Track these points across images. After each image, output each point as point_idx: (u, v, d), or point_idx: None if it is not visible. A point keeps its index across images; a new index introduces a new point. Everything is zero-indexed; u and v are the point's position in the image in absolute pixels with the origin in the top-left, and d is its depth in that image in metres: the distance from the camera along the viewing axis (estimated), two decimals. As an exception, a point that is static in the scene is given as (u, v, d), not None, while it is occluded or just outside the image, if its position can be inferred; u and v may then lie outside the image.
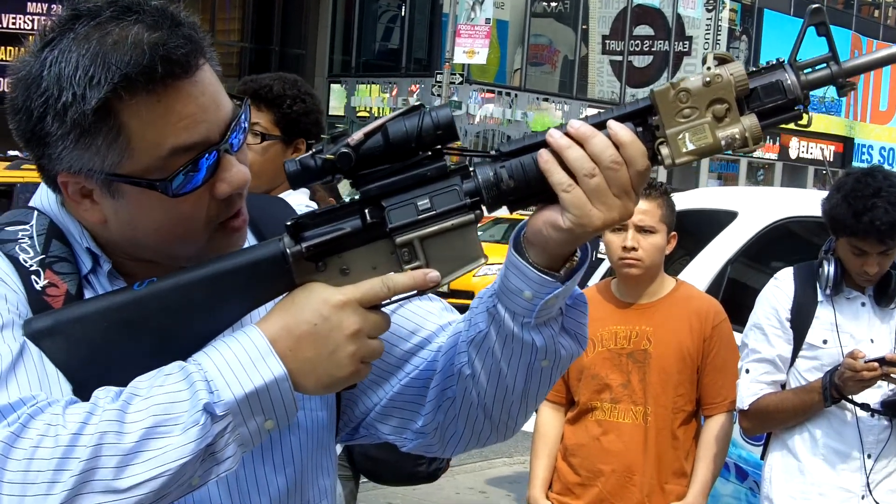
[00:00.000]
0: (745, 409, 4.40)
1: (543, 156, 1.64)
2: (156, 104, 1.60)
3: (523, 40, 38.69)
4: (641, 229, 4.47)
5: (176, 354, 1.59)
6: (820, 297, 4.33)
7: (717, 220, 6.72)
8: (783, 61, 1.68)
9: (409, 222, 1.65)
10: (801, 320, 4.32)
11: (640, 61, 42.83)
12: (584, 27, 41.05)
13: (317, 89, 33.67)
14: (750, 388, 4.37)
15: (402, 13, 37.63)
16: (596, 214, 1.62)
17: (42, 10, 27.23)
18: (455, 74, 30.57)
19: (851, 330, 4.27)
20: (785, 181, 46.64)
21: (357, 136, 1.64)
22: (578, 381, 4.59)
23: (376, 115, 35.81)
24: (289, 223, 1.66)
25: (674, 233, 4.61)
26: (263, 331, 1.60)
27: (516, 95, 37.07)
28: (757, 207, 6.81)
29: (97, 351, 1.60)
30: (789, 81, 1.66)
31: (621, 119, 1.66)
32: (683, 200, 7.15)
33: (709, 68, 1.64)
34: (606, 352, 4.55)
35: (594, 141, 1.62)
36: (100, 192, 1.66)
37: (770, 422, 4.45)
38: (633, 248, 4.46)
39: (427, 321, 1.96)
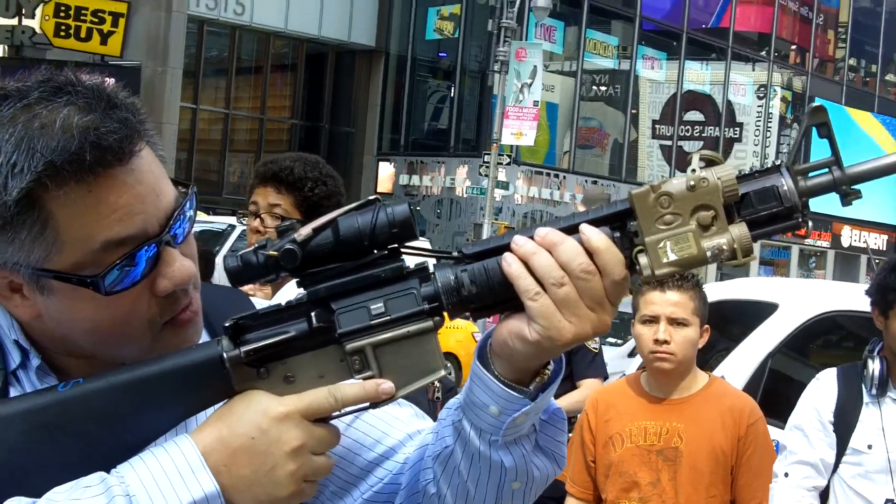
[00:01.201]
0: None
1: (508, 259, 1.50)
2: (86, 195, 1.45)
3: (572, 123, 38.76)
4: (674, 321, 4.31)
5: (100, 464, 1.44)
6: (866, 399, 4.12)
7: (758, 312, 6.54)
8: (779, 164, 1.51)
9: (361, 328, 1.50)
10: (844, 423, 4.12)
11: (691, 146, 42.73)
12: (633, 111, 41.12)
13: (365, 167, 34.15)
14: (789, 494, 4.15)
15: (452, 94, 37.84)
16: (566, 327, 1.47)
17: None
18: (503, 155, 30.54)
19: None
20: (837, 269, 46.22)
21: (305, 230, 1.50)
22: (606, 478, 4.41)
23: (424, 194, 35.99)
24: (227, 324, 1.51)
25: (707, 326, 4.44)
26: (196, 442, 1.45)
27: (564, 177, 37.03)
28: (798, 299, 6.65)
29: (14, 455, 1.45)
30: (785, 188, 1.50)
31: (597, 222, 1.51)
32: (724, 291, 7.00)
33: (693, 170, 1.48)
34: (635, 448, 4.36)
35: (562, 248, 1.48)
36: (28, 287, 1.51)
37: None
38: (666, 342, 4.29)
39: (393, 429, 1.79)
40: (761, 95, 43.85)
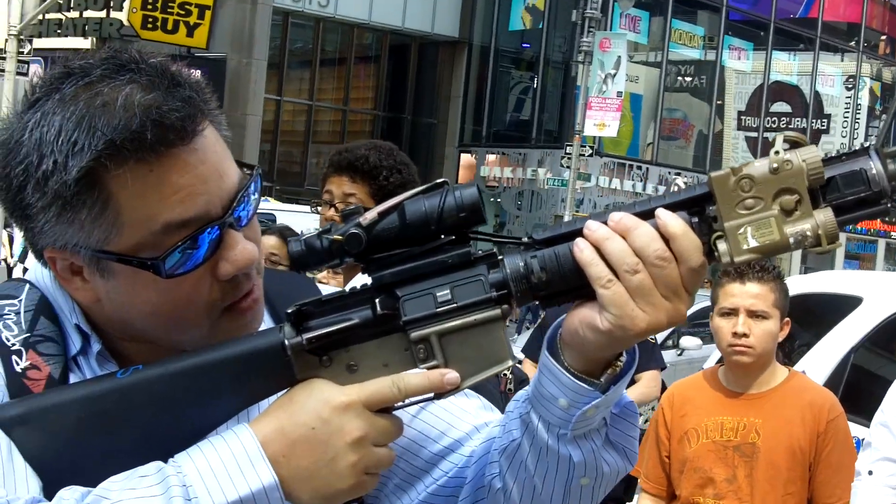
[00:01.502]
0: None
1: (580, 244, 1.43)
2: (147, 174, 1.41)
3: (657, 114, 38.44)
4: (754, 314, 4.22)
5: (158, 452, 1.41)
6: None
7: (841, 306, 6.41)
8: (868, 147, 1.43)
9: (427, 315, 1.44)
10: None
11: (777, 138, 42.12)
12: (719, 102, 40.68)
13: (447, 158, 34.20)
14: (875, 493, 4.02)
15: (535, 85, 37.73)
16: (639, 316, 1.41)
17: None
18: (585, 146, 30.39)
19: None
20: (925, 263, 45.36)
21: (370, 214, 1.44)
22: (680, 474, 4.34)
23: (506, 185, 35.92)
24: (290, 310, 1.46)
25: (787, 319, 4.35)
26: (255, 432, 1.41)
27: (647, 169, 36.74)
28: (883, 293, 6.48)
29: (72, 444, 1.43)
30: (874, 171, 1.41)
31: (674, 207, 1.44)
32: (808, 283, 6.88)
33: (777, 152, 1.40)
34: (711, 444, 4.27)
35: (637, 232, 1.41)
36: (89, 269, 1.49)
37: None
38: (745, 335, 4.20)
39: (460, 421, 1.74)
40: (850, 86, 43.15)
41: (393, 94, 37.75)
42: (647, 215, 1.43)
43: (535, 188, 35.63)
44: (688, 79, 40.87)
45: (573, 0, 31.60)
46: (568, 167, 30.10)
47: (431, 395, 1.47)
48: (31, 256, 1.61)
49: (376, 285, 1.47)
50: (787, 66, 42.54)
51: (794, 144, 1.41)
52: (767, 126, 41.59)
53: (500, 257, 1.47)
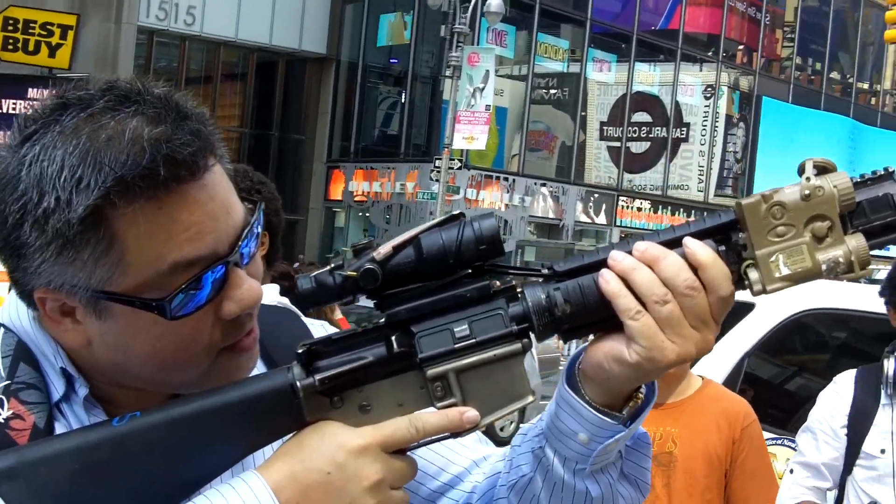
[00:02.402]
0: None
1: (605, 276, 1.41)
2: (156, 212, 1.35)
3: (522, 126, 38.80)
4: None
5: (158, 503, 1.37)
6: (883, 401, 4.11)
7: (734, 311, 6.50)
8: (892, 171, 1.43)
9: (444, 352, 1.41)
10: (857, 427, 4.11)
11: (638, 147, 42.92)
12: (582, 114, 41.19)
13: (315, 174, 33.95)
14: (791, 490, 4.19)
15: (403, 100, 37.76)
16: (669, 347, 1.38)
17: (43, 95, 27.27)
18: (454, 160, 30.52)
19: None
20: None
21: (384, 249, 1.41)
22: (599, 484, 4.38)
23: (374, 199, 35.87)
24: (300, 350, 1.41)
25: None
26: (266, 478, 1.36)
27: (514, 181, 37.06)
28: (774, 299, 6.59)
29: (65, 498, 1.35)
30: None
31: (699, 235, 1.43)
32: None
33: (808, 179, 1.40)
34: (630, 454, 4.34)
35: (666, 262, 1.39)
36: (83, 310, 1.41)
37: None
38: None
39: (458, 456, 1.72)
40: (708, 95, 44.08)
41: (260, 110, 37.41)
42: (673, 244, 1.43)
43: (404, 202, 35.64)
44: (552, 91, 41.30)
45: (441, 15, 31.71)
46: (437, 180, 30.17)
47: (448, 434, 1.43)
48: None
49: (390, 322, 1.42)
50: (648, 76, 43.28)
51: (822, 170, 1.41)
52: (629, 136, 42.27)
53: (519, 290, 1.44)
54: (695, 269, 1.39)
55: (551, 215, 38.59)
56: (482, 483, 1.67)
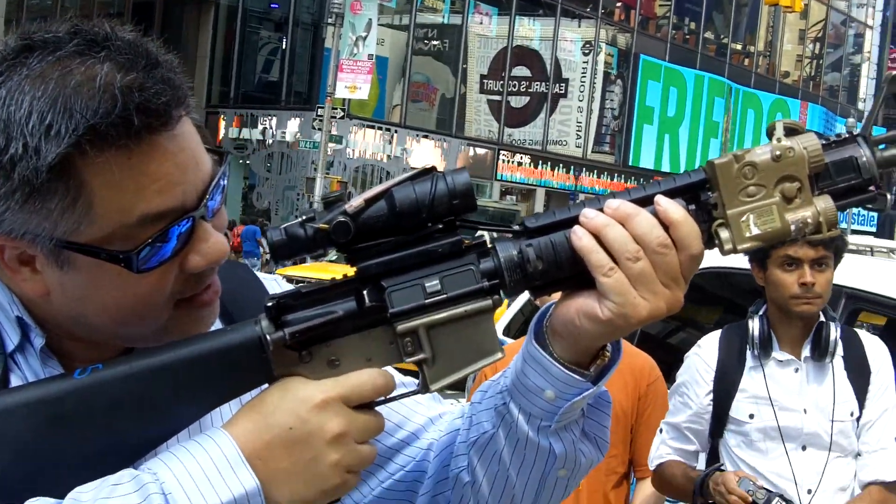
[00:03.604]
0: (652, 469, 4.25)
1: (578, 232, 1.40)
2: (126, 162, 1.30)
3: (403, 77, 38.73)
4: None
5: (124, 458, 1.34)
6: (750, 363, 4.08)
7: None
8: (857, 135, 1.45)
9: (415, 307, 1.39)
10: (723, 393, 4.08)
11: (518, 101, 43.22)
12: (463, 66, 41.27)
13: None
14: (658, 450, 4.21)
15: (283, 46, 37.37)
16: (641, 304, 1.38)
17: None
18: (336, 109, 30.34)
19: (782, 400, 4.00)
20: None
21: (356, 202, 1.38)
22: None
23: (255, 147, 35.52)
24: (269, 303, 1.39)
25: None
26: (233, 435, 1.34)
27: (396, 131, 37.03)
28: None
29: (27, 452, 1.31)
30: (864, 158, 1.43)
31: (670, 194, 1.43)
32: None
33: (779, 140, 1.40)
34: (536, 409, 4.33)
35: (638, 219, 1.39)
36: (45, 260, 1.36)
37: (666, 490, 4.30)
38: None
39: (414, 413, 1.71)
40: (587, 52, 44.50)
41: (135, 53, 36.66)
42: (644, 202, 1.42)
43: (286, 150, 35.37)
44: (433, 43, 41.28)
45: (323, -39, 31.44)
46: (319, 129, 29.98)
47: (414, 388, 1.43)
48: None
49: (361, 276, 1.40)
50: (529, 31, 43.56)
51: (791, 131, 1.42)
52: (510, 90, 42.52)
53: (490, 245, 1.43)
54: (666, 227, 1.39)
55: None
56: (440, 440, 1.67)
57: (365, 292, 1.40)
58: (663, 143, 47.28)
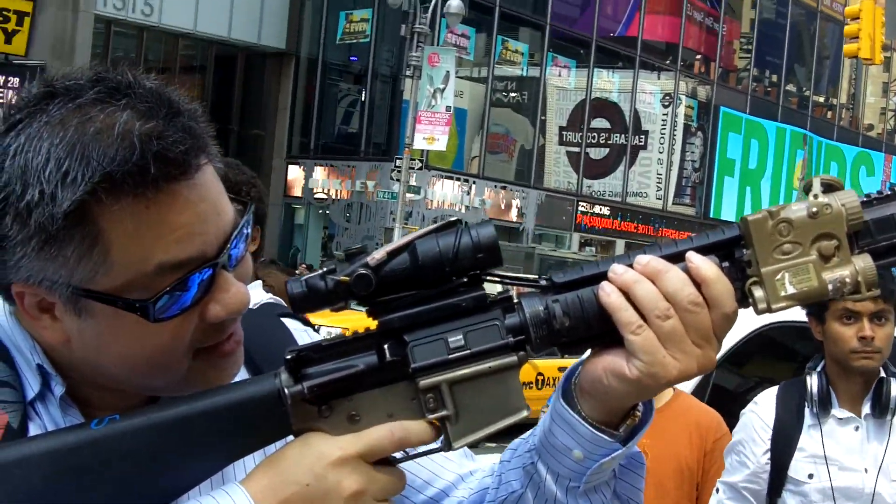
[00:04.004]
0: None
1: (606, 289, 1.37)
2: (143, 211, 1.29)
3: (482, 129, 38.86)
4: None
5: None
6: (808, 421, 3.94)
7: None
8: None
9: (437, 362, 1.35)
10: (781, 452, 3.96)
11: (597, 153, 43.15)
12: (542, 118, 41.33)
13: (275, 170, 34.01)
14: None
15: (363, 98, 37.72)
16: (671, 363, 1.34)
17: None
18: (414, 160, 30.50)
19: (842, 459, 3.87)
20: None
21: (379, 254, 1.35)
22: (567, 495, 4.29)
23: (334, 197, 35.82)
24: (288, 356, 1.36)
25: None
26: (249, 491, 1.32)
27: (474, 182, 37.11)
28: (741, 313, 6.56)
29: (40, 502, 1.29)
30: None
31: (703, 251, 1.39)
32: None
33: (815, 196, 1.37)
34: (599, 465, 4.25)
35: (668, 276, 1.35)
36: (63, 307, 1.35)
37: None
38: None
39: (444, 470, 1.67)
40: (666, 104, 44.38)
41: (219, 105, 37.18)
42: (675, 258, 1.38)
43: (364, 200, 35.59)
44: (512, 95, 41.42)
45: (401, 14, 31.71)
46: (398, 180, 30.13)
47: (436, 446, 1.39)
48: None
49: (382, 330, 1.37)
50: (607, 83, 43.54)
51: (829, 187, 1.38)
52: (588, 141, 42.47)
53: (517, 301, 1.40)
54: (698, 284, 1.36)
55: (513, 218, 38.69)
56: (469, 498, 1.64)
57: (386, 346, 1.37)
58: (745, 195, 46.91)
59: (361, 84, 38.07)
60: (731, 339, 6.31)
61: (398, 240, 1.38)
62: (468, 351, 1.35)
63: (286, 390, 1.35)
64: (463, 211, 36.13)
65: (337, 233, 37.12)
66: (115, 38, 34.00)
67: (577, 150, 42.28)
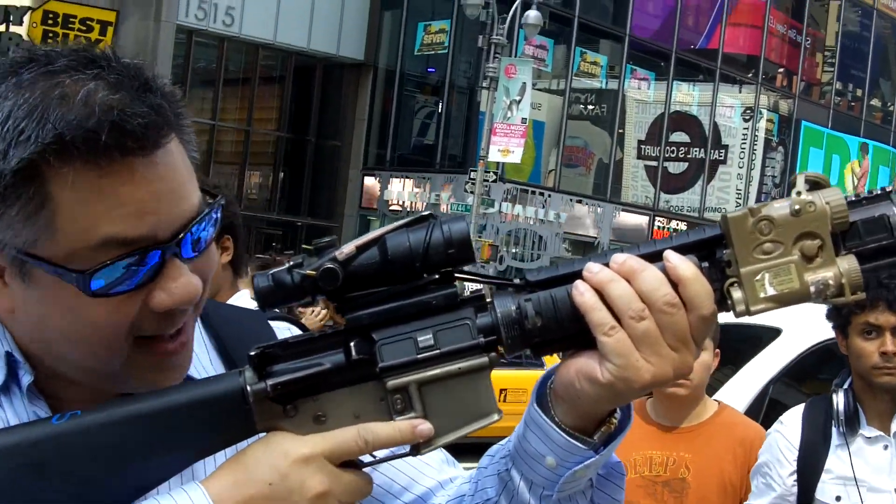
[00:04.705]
0: None
1: (580, 287, 1.32)
2: (94, 180, 1.27)
3: (559, 142, 38.74)
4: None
5: None
6: (836, 441, 3.80)
7: (760, 337, 6.37)
8: (890, 191, 1.34)
9: (406, 362, 1.31)
10: (808, 474, 3.81)
11: (676, 167, 42.82)
12: (620, 131, 41.11)
13: (351, 181, 34.19)
14: None
15: (439, 110, 37.79)
16: (644, 367, 1.29)
17: None
18: (489, 172, 30.45)
19: (871, 480, 3.73)
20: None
21: (347, 248, 1.32)
22: (608, 509, 4.20)
23: (409, 209, 35.90)
24: (252, 353, 1.32)
25: (717, 349, 4.28)
26: (207, 489, 1.29)
27: (549, 196, 36.98)
28: (802, 325, 6.42)
29: (3, 498, 1.27)
30: None
31: (682, 250, 1.34)
32: (725, 315, 6.86)
33: (798, 193, 1.31)
34: (640, 479, 4.20)
35: (644, 275, 1.31)
36: (10, 272, 1.34)
37: None
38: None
39: (422, 476, 1.63)
40: (747, 118, 43.92)
41: (297, 115, 37.51)
42: (653, 258, 1.33)
43: (438, 213, 35.59)
44: (590, 107, 41.26)
45: (479, 25, 31.69)
46: (472, 192, 30.11)
47: (406, 449, 1.35)
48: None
49: (350, 327, 1.33)
50: (687, 96, 43.19)
51: (814, 185, 1.32)
52: (667, 155, 42.16)
53: (489, 300, 1.36)
54: (675, 284, 1.31)
55: (589, 233, 38.49)
56: None
57: (354, 344, 1.33)
58: (826, 211, 46.19)
59: (438, 95, 38.15)
60: (790, 353, 6.19)
61: (368, 234, 1.34)
62: (437, 351, 1.32)
63: (248, 388, 1.32)
64: (537, 225, 36.01)
65: (411, 244, 37.16)
66: (196, 48, 34.41)
67: (654, 163, 41.97)
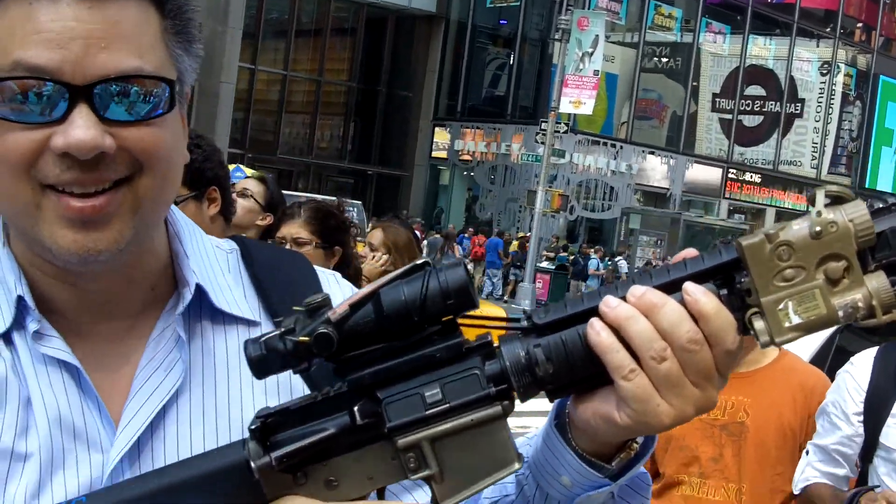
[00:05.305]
0: (797, 492, 3.96)
1: (596, 326, 1.21)
2: (24, 6, 1.26)
3: (632, 94, 38.41)
4: None
5: None
6: None
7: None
8: None
9: (415, 419, 1.24)
10: (874, 417, 3.72)
11: (750, 121, 42.33)
12: (694, 84, 40.66)
13: (421, 132, 34.18)
14: (804, 472, 3.91)
15: (511, 61, 37.60)
16: (665, 411, 1.19)
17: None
18: (560, 123, 30.29)
19: None
20: None
21: (340, 309, 1.23)
22: (665, 452, 4.24)
23: (479, 160, 35.84)
24: (253, 425, 1.26)
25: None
26: None
27: (621, 147, 36.74)
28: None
29: None
30: None
31: (699, 278, 1.23)
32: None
33: (818, 213, 1.19)
34: (698, 421, 4.14)
35: (665, 310, 1.19)
36: None
37: None
38: None
39: None
40: (825, 72, 43.21)
41: (368, 66, 37.54)
42: (669, 288, 1.23)
43: (509, 163, 35.54)
44: (664, 60, 40.82)
45: (552, -23, 31.48)
46: (542, 143, 29.99)
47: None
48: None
49: (353, 388, 1.26)
50: (763, 50, 42.56)
51: (835, 200, 1.20)
52: (742, 109, 41.66)
53: (496, 346, 1.28)
54: (696, 319, 1.20)
55: (661, 184, 38.22)
56: None
57: (358, 406, 1.26)
58: (902, 165, 45.50)
59: (510, 47, 37.99)
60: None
61: (362, 289, 1.27)
62: (447, 405, 1.24)
63: (253, 463, 1.26)
64: (609, 175, 35.82)
65: (481, 194, 37.19)
66: (268, 0, 34.52)
67: (729, 116, 41.48)
